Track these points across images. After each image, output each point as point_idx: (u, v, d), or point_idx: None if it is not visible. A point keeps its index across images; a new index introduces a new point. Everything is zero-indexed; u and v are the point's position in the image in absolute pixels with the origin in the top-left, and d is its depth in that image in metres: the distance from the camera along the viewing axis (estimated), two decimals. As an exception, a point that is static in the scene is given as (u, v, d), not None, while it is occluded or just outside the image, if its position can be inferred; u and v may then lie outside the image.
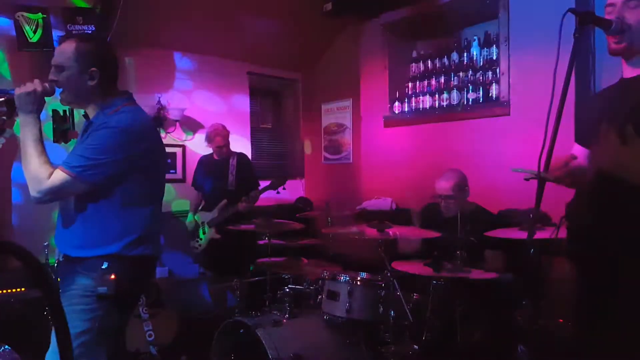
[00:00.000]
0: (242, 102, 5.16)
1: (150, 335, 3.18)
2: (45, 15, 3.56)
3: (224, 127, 4.07)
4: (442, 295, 2.55)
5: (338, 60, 5.10)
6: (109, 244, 1.81)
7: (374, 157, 4.69)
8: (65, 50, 1.83)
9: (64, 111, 3.81)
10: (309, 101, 5.49)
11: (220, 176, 4.05)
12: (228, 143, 4.08)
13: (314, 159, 5.46)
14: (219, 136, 4.01)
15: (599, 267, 1.60)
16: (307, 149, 5.57)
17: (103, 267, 1.78)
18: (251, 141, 5.22)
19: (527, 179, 1.66)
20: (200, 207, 4.16)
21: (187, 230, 4.14)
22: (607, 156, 1.51)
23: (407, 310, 2.50)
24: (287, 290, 2.86)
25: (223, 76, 4.94)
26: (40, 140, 1.78)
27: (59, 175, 1.73)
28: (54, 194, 1.77)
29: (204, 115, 4.78)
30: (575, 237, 1.75)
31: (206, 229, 4.04)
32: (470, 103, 3.94)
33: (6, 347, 2.91)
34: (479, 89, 3.89)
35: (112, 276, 1.77)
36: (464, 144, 3.86)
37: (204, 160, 4.23)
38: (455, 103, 4.03)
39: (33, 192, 1.75)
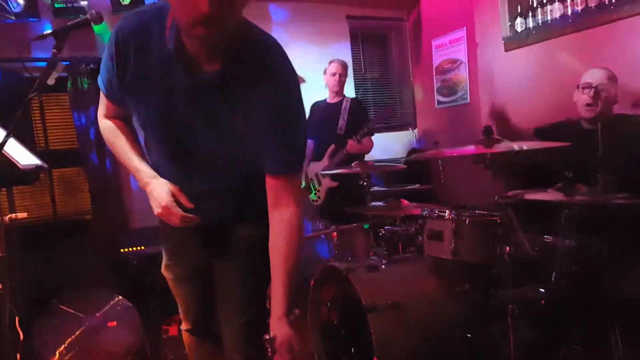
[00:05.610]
0: (343, 50, 4.78)
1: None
2: (137, -22, 3.62)
3: (341, 65, 3.86)
4: (577, 228, 1.96)
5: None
6: None
7: (496, 90, 4.01)
8: None
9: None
10: (417, 40, 4.93)
11: (330, 120, 3.78)
12: (342, 85, 3.87)
13: (426, 105, 4.90)
14: (334, 76, 3.84)
15: None
16: (418, 94, 5.04)
17: None
18: (355, 93, 4.85)
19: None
20: (310, 160, 3.93)
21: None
22: None
23: (530, 250, 1.98)
24: (385, 232, 2.49)
25: (320, 23, 4.63)
26: None
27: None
28: None
29: (302, 68, 4.54)
30: None
31: (315, 184, 3.83)
32: (614, 1, 3.08)
33: (119, 296, 3.07)
34: (627, -20, 3.01)
35: None
36: (612, 53, 3.05)
37: (316, 105, 3.99)
38: (594, 5, 3.20)
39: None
